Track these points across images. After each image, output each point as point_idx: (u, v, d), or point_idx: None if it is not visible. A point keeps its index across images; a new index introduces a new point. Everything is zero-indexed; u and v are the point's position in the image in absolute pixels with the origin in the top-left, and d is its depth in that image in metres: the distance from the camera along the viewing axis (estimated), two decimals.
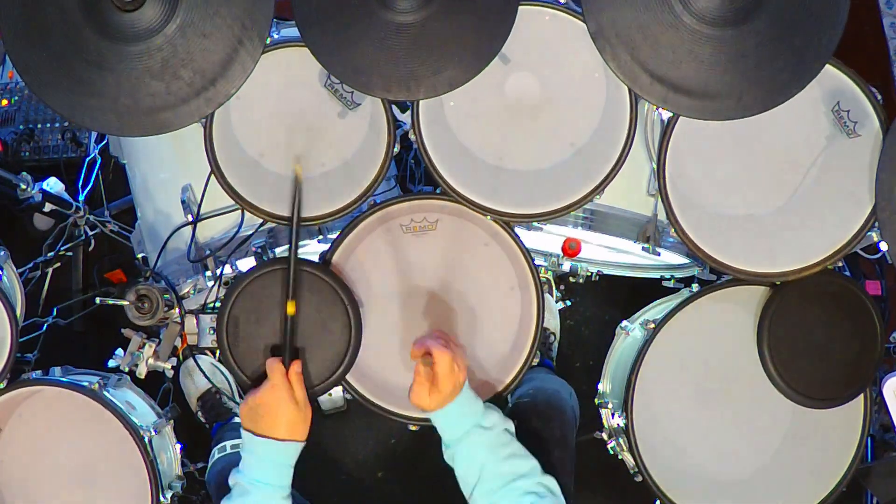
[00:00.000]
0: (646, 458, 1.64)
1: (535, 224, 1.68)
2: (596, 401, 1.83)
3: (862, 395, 1.63)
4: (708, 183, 1.60)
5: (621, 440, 1.73)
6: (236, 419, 2.10)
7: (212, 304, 1.75)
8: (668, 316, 1.64)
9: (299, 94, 1.59)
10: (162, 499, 1.64)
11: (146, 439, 1.63)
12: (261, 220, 1.61)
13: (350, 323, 1.52)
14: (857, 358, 1.60)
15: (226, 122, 1.58)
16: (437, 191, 1.59)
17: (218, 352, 1.78)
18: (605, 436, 1.78)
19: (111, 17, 1.39)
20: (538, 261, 1.92)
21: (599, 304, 2.38)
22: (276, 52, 1.52)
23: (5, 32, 1.40)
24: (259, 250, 1.67)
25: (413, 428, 1.61)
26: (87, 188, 2.28)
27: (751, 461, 1.71)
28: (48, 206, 2.15)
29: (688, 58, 1.39)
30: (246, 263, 1.72)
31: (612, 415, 1.75)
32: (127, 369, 1.79)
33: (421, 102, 1.52)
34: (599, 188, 1.55)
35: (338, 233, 1.60)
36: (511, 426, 1.47)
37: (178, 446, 1.79)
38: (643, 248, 1.69)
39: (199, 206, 1.66)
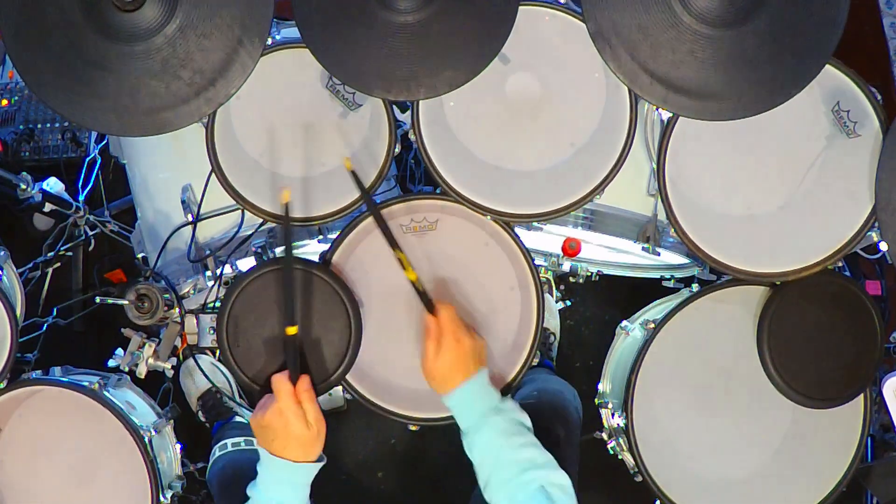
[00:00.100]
0: (646, 458, 1.64)
1: (535, 224, 1.68)
2: (596, 401, 1.83)
3: (862, 395, 1.63)
4: (708, 183, 1.60)
5: (621, 440, 1.73)
6: (237, 418, 2.10)
7: (212, 304, 1.76)
8: (668, 316, 1.64)
9: (300, 95, 1.59)
10: (162, 499, 1.64)
11: (146, 439, 1.63)
12: (261, 220, 1.61)
13: (350, 323, 1.52)
14: (857, 358, 1.60)
15: (227, 123, 1.58)
16: (437, 191, 1.59)
17: (218, 352, 1.78)
18: (605, 436, 1.78)
19: (111, 17, 1.39)
20: (538, 261, 1.92)
21: (599, 304, 2.38)
22: (277, 54, 1.52)
23: (5, 32, 1.40)
24: (259, 250, 1.67)
25: (413, 428, 1.61)
26: (87, 188, 2.29)
27: (751, 461, 1.71)
28: (48, 206, 2.16)
29: (688, 58, 1.39)
30: (246, 263, 1.72)
31: (612, 415, 1.75)
32: (127, 369, 1.80)
33: (421, 102, 1.52)
34: (599, 188, 1.55)
35: (338, 233, 1.60)
36: (527, 420, 1.45)
37: (178, 446, 1.79)
38: (643, 248, 1.69)
39: (199, 206, 1.66)
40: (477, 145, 1.60)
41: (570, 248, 1.82)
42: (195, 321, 1.74)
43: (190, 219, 1.67)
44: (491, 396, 1.45)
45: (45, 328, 2.09)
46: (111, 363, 1.81)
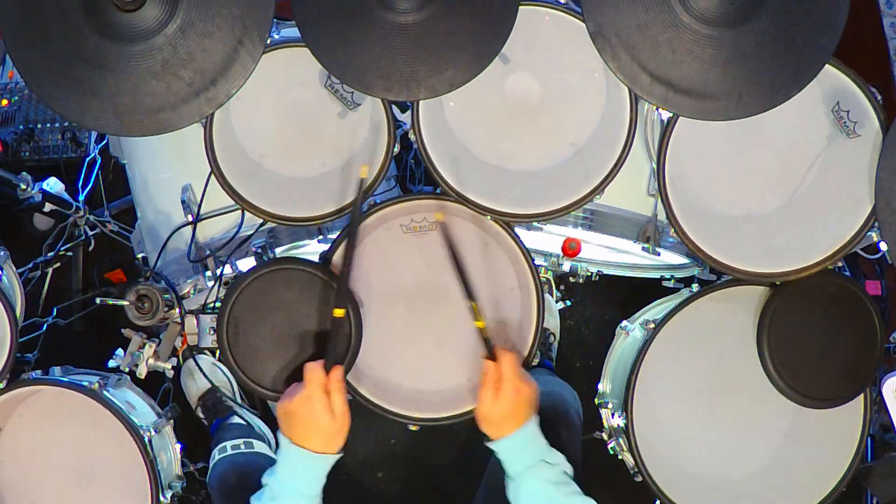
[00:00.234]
0: (646, 458, 1.64)
1: (535, 224, 1.68)
2: (596, 401, 1.83)
3: (862, 395, 1.63)
4: (708, 183, 1.60)
5: (621, 440, 1.73)
6: (235, 418, 2.10)
7: (212, 304, 1.76)
8: (668, 316, 1.64)
9: (300, 95, 1.59)
10: (162, 499, 1.64)
11: (146, 439, 1.63)
12: (261, 220, 1.61)
13: (350, 323, 1.52)
14: (857, 358, 1.60)
15: (226, 123, 1.58)
16: (437, 191, 1.59)
17: (218, 352, 1.78)
18: (605, 436, 1.78)
19: (111, 17, 1.39)
20: (538, 261, 1.92)
21: (599, 304, 2.38)
22: (276, 53, 1.52)
23: (5, 32, 1.40)
24: (259, 250, 1.67)
25: (413, 428, 1.61)
26: (87, 188, 2.28)
27: (751, 461, 1.71)
28: (48, 206, 2.15)
29: (688, 58, 1.39)
30: (246, 263, 1.72)
31: (612, 415, 1.75)
32: (127, 369, 1.80)
33: (421, 102, 1.52)
34: (599, 188, 1.55)
35: (338, 233, 1.60)
36: (570, 469, 1.47)
37: (178, 446, 1.79)
38: (643, 248, 1.69)
39: (199, 206, 1.66)
40: (477, 145, 1.60)
41: (570, 249, 1.82)
42: (195, 321, 1.74)
43: (190, 219, 1.68)
44: (541, 446, 1.45)
45: (45, 328, 2.09)
46: (111, 363, 1.81)
